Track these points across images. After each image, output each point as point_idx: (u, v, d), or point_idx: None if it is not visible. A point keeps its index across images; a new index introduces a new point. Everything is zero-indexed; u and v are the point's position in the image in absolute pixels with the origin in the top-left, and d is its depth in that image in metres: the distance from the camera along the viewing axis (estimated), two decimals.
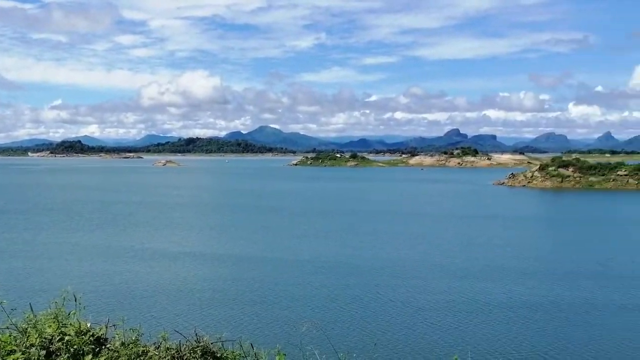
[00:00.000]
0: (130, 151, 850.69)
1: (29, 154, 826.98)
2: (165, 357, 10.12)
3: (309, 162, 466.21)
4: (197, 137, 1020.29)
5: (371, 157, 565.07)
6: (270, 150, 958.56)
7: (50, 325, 10.38)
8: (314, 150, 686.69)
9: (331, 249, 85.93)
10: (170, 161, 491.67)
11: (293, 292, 59.63)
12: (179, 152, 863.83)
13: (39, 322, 10.50)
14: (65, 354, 9.82)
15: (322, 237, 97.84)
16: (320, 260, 76.12)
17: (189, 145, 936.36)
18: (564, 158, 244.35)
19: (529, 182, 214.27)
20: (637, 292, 61.25)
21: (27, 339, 10.14)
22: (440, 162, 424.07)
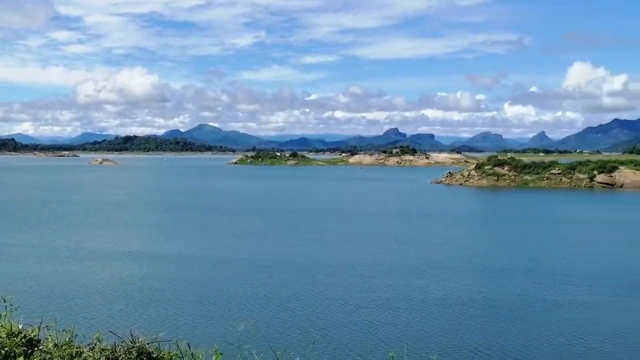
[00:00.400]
0: (65, 149, 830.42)
1: None
2: (99, 358, 10.06)
3: (248, 160, 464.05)
4: (134, 135, 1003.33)
5: (311, 155, 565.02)
6: (209, 148, 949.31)
7: None
8: (253, 149, 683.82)
9: (270, 247, 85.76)
10: (107, 160, 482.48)
11: (231, 291, 59.38)
12: (116, 150, 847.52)
13: None
14: None
15: (261, 235, 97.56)
16: (259, 259, 75.95)
17: (127, 144, 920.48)
18: (500, 157, 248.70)
19: (465, 180, 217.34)
20: (567, 288, 62.92)
21: None
22: (380, 161, 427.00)
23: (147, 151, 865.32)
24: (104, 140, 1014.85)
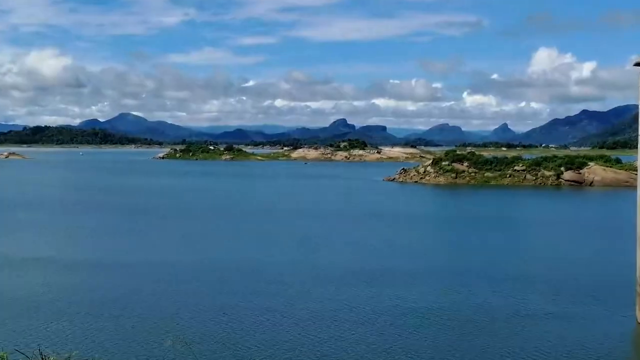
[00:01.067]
0: None
1: None
2: None
3: (178, 155, 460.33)
4: (45, 126, 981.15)
5: (249, 149, 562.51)
6: (133, 141, 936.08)
7: None
8: (183, 142, 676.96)
9: (203, 253, 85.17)
10: (13, 153, 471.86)
11: (158, 303, 58.80)
12: (25, 142, 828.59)
13: None
14: None
15: (193, 239, 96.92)
16: (190, 266, 75.39)
17: (37, 135, 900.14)
18: (458, 152, 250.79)
19: (421, 177, 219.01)
20: (530, 296, 64.06)
21: None
22: (326, 156, 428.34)
23: (61, 144, 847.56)
24: (10, 131, 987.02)
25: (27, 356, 10.43)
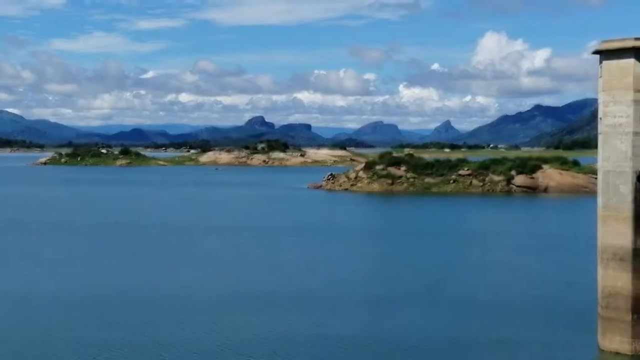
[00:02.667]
0: None
1: None
2: None
3: (63, 160, 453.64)
4: None
5: (149, 153, 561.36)
6: (8, 143, 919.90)
7: None
8: (70, 144, 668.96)
9: (89, 276, 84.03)
10: None
11: (30, 337, 57.76)
12: None
13: None
14: None
15: (76, 260, 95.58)
16: (71, 294, 74.32)
17: None
18: (395, 154, 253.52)
19: (352, 184, 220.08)
20: (474, 322, 64.89)
21: None
22: (241, 160, 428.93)
23: None
24: None
25: None
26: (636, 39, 61.60)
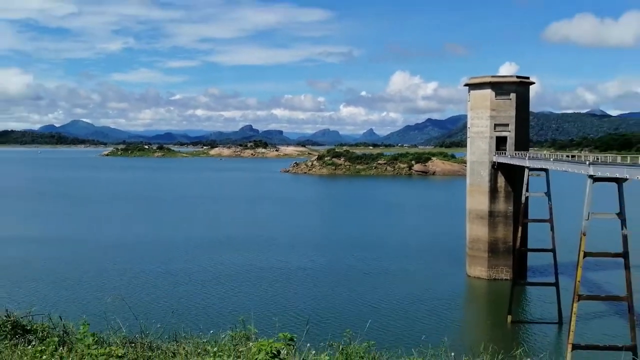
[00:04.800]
0: None
1: None
2: None
3: (119, 152, 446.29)
4: (10, 130, 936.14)
5: (176, 148, 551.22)
6: (82, 142, 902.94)
7: None
8: (123, 142, 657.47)
9: (132, 230, 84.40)
10: None
11: (100, 269, 57.69)
12: None
13: None
14: None
15: (125, 220, 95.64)
16: (123, 241, 74.70)
17: (2, 137, 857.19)
18: (337, 150, 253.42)
19: (309, 169, 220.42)
20: (381, 257, 65.92)
21: None
22: (237, 153, 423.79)
23: (24, 144, 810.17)
24: None
25: None
26: (491, 76, 63.18)
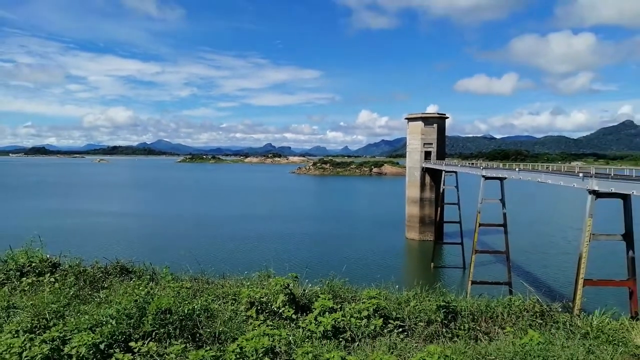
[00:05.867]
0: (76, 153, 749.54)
1: None
2: (97, 273, 9.68)
3: (187, 160, 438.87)
4: (118, 146, 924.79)
5: (223, 157, 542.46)
6: (164, 153, 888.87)
7: (22, 257, 9.57)
8: (190, 154, 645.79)
9: (199, 208, 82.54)
10: (102, 159, 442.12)
11: (177, 234, 56.64)
12: (108, 154, 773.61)
13: (15, 255, 9.63)
14: (32, 274, 9.12)
15: (191, 201, 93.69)
16: (189, 215, 72.93)
17: (113, 150, 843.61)
18: (325, 159, 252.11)
19: (307, 171, 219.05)
20: (344, 226, 65.46)
21: (6, 266, 9.30)
22: (262, 161, 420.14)
23: (127, 155, 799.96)
24: (101, 147, 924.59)
25: (109, 260, 10.16)
26: (422, 113, 63.05)
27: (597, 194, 23.67)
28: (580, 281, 23.00)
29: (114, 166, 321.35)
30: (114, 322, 6.47)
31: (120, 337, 6.33)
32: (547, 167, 32.87)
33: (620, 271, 25.46)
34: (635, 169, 23.77)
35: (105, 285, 8.88)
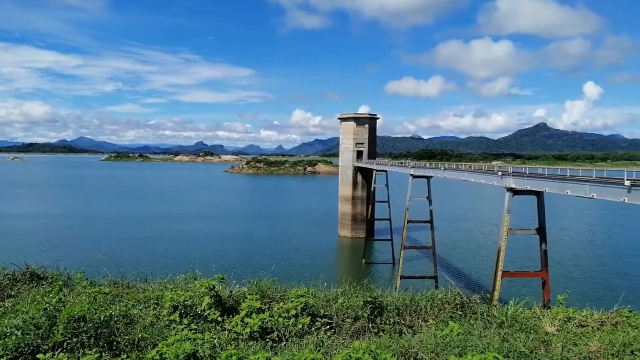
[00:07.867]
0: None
1: None
2: (3, 280, 8.87)
3: (112, 158, 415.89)
4: (35, 143, 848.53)
5: (151, 156, 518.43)
6: (86, 151, 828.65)
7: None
8: (115, 152, 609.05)
9: (120, 207, 79.06)
10: (17, 157, 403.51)
11: (93, 235, 53.48)
12: (22, 152, 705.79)
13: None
14: None
15: (113, 200, 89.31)
16: (108, 215, 69.34)
17: (29, 148, 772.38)
18: (258, 158, 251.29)
19: (240, 170, 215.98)
20: (280, 225, 65.74)
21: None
22: (193, 159, 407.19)
23: (44, 152, 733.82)
24: (14, 145, 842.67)
25: (18, 266, 9.41)
26: (354, 114, 64.53)
27: (514, 191, 25.17)
28: (499, 273, 24.43)
29: (29, 165, 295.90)
30: (19, 334, 5.96)
31: (26, 349, 5.86)
32: (469, 167, 34.61)
33: (534, 263, 27.45)
34: (547, 167, 25.65)
35: (12, 294, 8.18)
